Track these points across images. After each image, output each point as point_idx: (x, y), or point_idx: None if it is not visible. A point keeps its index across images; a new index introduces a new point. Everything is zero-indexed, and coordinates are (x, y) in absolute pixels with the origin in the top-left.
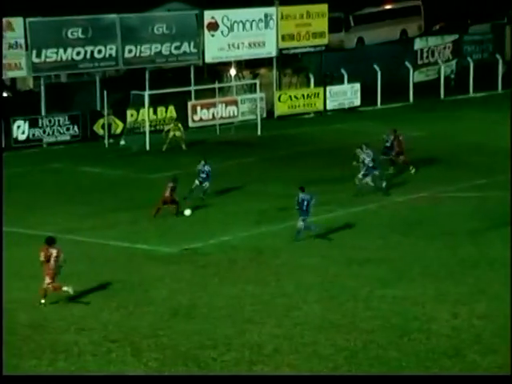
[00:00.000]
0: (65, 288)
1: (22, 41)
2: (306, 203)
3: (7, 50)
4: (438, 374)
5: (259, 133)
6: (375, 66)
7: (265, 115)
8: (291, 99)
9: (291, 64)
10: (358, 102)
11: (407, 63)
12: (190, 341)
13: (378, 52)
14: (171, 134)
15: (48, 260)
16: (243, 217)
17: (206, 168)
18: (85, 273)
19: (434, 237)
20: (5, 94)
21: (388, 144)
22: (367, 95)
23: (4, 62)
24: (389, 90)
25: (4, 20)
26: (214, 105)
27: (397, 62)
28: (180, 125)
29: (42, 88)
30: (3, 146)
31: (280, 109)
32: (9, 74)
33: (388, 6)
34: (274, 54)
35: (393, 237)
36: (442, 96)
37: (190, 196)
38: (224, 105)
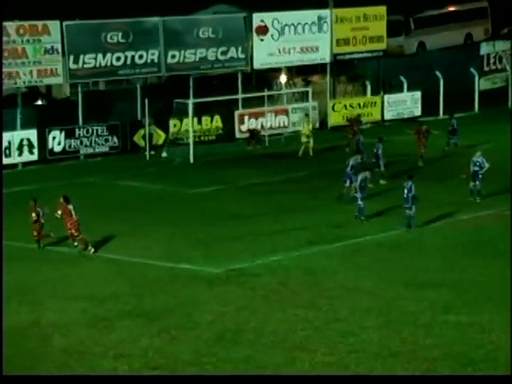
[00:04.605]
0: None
1: (59, 45)
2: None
3: (43, 55)
4: (438, 374)
5: (311, 144)
6: (437, 73)
7: (317, 126)
8: (346, 108)
9: (346, 71)
10: (418, 112)
11: (472, 70)
12: (235, 369)
13: (441, 58)
14: (303, 138)
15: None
16: (294, 235)
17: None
18: (124, 294)
19: (502, 258)
20: (40, 103)
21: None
22: (428, 104)
23: (39, 67)
24: (452, 98)
25: (40, 23)
26: (262, 114)
27: (461, 69)
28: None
29: (80, 96)
30: (38, 157)
31: (334, 119)
32: (44, 81)
33: (452, 8)
34: (327, 59)
35: (456, 257)
36: (511, 105)
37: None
38: (273, 114)
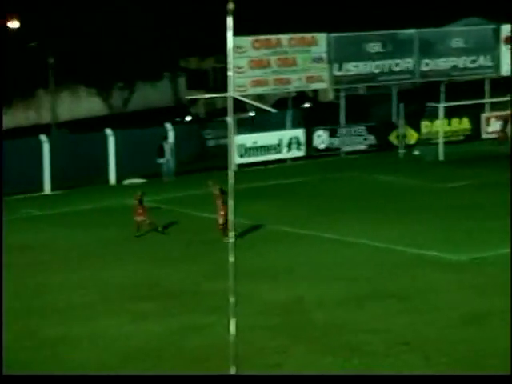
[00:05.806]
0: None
1: (325, 55)
2: None
3: (311, 63)
4: (438, 375)
5: None
6: None
7: None
8: None
9: None
10: None
11: None
12: (479, 349)
13: None
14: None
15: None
16: None
17: None
18: (374, 277)
19: None
20: (307, 105)
21: None
22: None
23: (308, 74)
24: None
25: (309, 35)
26: (507, 117)
27: None
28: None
29: (342, 100)
30: (305, 153)
31: None
32: (311, 87)
33: None
34: None
35: None
36: None
37: None
38: None
